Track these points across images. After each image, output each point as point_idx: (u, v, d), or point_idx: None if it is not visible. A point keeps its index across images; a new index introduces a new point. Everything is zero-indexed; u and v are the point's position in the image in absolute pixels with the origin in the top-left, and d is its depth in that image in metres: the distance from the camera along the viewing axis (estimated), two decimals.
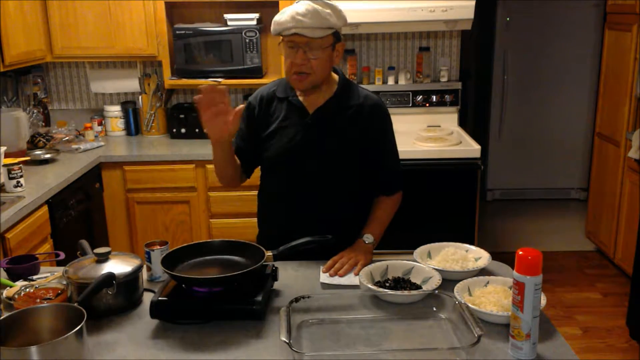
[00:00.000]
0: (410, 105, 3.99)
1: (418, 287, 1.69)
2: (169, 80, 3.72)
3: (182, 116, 3.80)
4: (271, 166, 2.04)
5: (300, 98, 1.97)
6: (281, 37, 1.89)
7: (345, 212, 2.00)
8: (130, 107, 3.99)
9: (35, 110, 3.80)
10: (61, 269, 1.73)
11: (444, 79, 4.04)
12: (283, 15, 1.83)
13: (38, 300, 1.55)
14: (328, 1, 1.86)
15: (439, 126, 4.01)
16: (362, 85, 2.08)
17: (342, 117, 1.96)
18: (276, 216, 2.07)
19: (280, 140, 1.97)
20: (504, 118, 5.42)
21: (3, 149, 2.82)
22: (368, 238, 1.94)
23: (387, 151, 2.04)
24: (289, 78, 1.91)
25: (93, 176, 3.41)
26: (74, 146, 3.58)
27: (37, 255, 1.91)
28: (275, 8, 3.65)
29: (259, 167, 2.11)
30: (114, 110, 3.97)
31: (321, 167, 1.96)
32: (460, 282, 1.64)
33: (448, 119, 4.06)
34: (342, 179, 1.97)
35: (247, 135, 2.06)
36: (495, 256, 1.85)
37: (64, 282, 1.64)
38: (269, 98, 2.02)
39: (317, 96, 1.96)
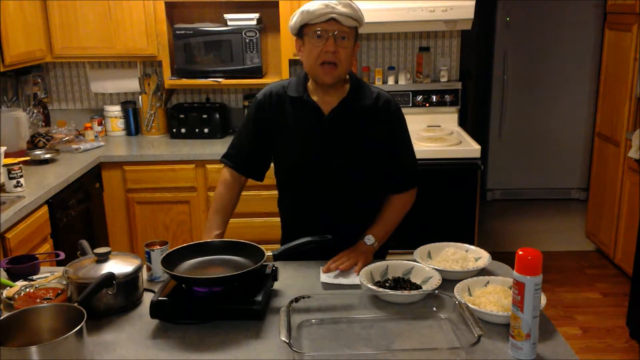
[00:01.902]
0: (410, 105, 3.99)
1: (418, 287, 1.69)
2: (169, 80, 3.73)
3: (182, 116, 3.80)
4: (290, 169, 2.01)
5: (314, 98, 1.94)
6: (301, 31, 1.86)
7: (363, 211, 2.00)
8: (130, 107, 3.99)
9: (35, 110, 3.80)
10: (61, 269, 1.74)
11: (444, 79, 4.03)
12: (313, 5, 1.81)
13: (38, 300, 1.55)
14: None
15: (439, 126, 4.01)
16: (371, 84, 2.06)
17: (357, 117, 1.94)
18: (298, 217, 2.06)
19: (297, 142, 1.95)
20: (504, 118, 5.41)
21: (3, 149, 2.82)
22: (369, 239, 1.93)
23: (403, 148, 2.02)
24: (315, 70, 1.86)
25: (93, 176, 3.41)
26: (74, 146, 3.58)
27: (37, 255, 1.91)
28: (275, 8, 3.65)
29: (273, 170, 2.09)
30: (114, 110, 3.97)
31: (340, 168, 1.94)
32: (460, 282, 1.64)
33: (448, 119, 4.06)
34: (360, 179, 1.97)
35: (257, 136, 2.02)
36: (495, 256, 1.85)
37: (64, 282, 1.64)
38: (279, 95, 1.98)
39: (331, 96, 1.93)
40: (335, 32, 1.81)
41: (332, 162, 1.93)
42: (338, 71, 1.85)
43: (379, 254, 2.09)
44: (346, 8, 1.81)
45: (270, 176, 2.11)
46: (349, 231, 1.88)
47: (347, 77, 1.97)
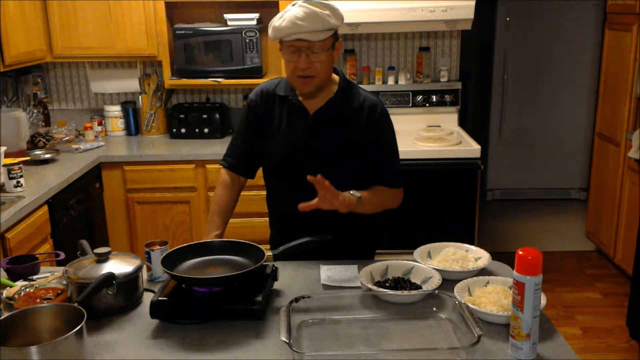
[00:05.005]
0: (410, 105, 3.99)
1: (418, 287, 1.69)
2: (169, 80, 3.73)
3: (182, 116, 3.80)
4: (274, 168, 2.03)
5: (300, 98, 1.96)
6: (280, 41, 1.88)
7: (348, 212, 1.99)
8: (130, 107, 3.99)
9: (35, 110, 3.80)
10: (61, 269, 1.73)
11: (444, 79, 4.03)
12: (282, 21, 1.81)
13: (38, 300, 1.55)
14: (324, 0, 1.85)
15: (439, 126, 4.01)
16: (361, 86, 2.07)
17: (342, 118, 1.95)
18: (283, 217, 2.07)
19: (282, 142, 1.97)
20: (504, 118, 5.41)
21: (3, 149, 2.82)
22: (355, 193, 1.86)
23: (386, 152, 2.02)
24: (293, 82, 1.90)
25: (93, 176, 3.41)
26: (74, 146, 3.58)
27: (37, 255, 1.91)
28: (275, 8, 3.65)
29: (261, 169, 2.11)
30: (114, 110, 3.97)
31: (323, 168, 1.94)
32: (460, 282, 1.64)
33: (448, 119, 4.06)
34: (344, 180, 1.96)
35: (250, 135, 2.04)
36: (495, 256, 1.85)
37: (64, 282, 1.64)
38: (269, 94, 2.01)
39: (318, 96, 1.95)
40: (307, 48, 1.82)
41: (315, 162, 1.94)
42: (315, 81, 1.87)
43: (367, 253, 2.09)
44: (313, 24, 1.78)
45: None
46: (335, 230, 1.87)
47: (337, 78, 1.98)
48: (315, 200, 1.77)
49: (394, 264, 1.79)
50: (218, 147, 3.58)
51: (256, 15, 3.68)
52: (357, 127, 1.95)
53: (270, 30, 1.87)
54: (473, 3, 3.47)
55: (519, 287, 1.33)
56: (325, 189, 1.75)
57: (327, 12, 1.81)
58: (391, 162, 2.05)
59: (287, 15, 1.80)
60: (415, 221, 3.26)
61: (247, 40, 3.60)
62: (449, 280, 1.68)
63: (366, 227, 2.06)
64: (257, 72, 3.65)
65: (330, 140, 1.95)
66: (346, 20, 1.96)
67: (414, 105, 3.99)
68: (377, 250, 2.17)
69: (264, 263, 1.65)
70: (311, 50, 1.82)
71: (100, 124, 3.96)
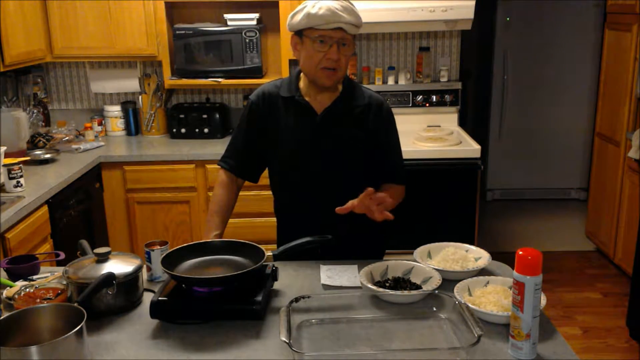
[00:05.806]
0: (410, 105, 3.99)
1: (418, 287, 1.69)
2: (169, 80, 3.73)
3: (182, 116, 3.80)
4: (281, 168, 2.03)
5: (307, 98, 1.95)
6: (300, 32, 1.86)
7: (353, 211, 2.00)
8: (130, 107, 3.99)
9: (35, 110, 3.80)
10: (61, 269, 1.74)
11: (444, 79, 4.04)
12: (318, 9, 1.79)
13: (38, 300, 1.55)
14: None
15: (439, 126, 4.01)
16: (364, 85, 2.08)
17: (349, 117, 1.96)
18: (293, 217, 2.07)
19: (289, 142, 1.96)
20: (504, 118, 5.41)
21: (3, 149, 2.82)
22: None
23: (392, 149, 2.04)
24: (315, 73, 1.88)
25: (93, 176, 3.41)
26: (74, 146, 3.58)
27: (37, 255, 1.91)
28: (275, 8, 3.65)
29: (267, 172, 2.10)
30: (114, 110, 3.97)
31: (331, 167, 1.95)
32: (460, 282, 1.64)
33: (448, 119, 4.06)
34: (350, 178, 1.97)
35: (251, 138, 2.03)
36: (495, 256, 1.85)
37: (64, 282, 1.64)
38: (272, 96, 2.00)
39: (324, 96, 1.95)
40: (339, 40, 1.83)
41: (323, 162, 1.95)
42: (338, 75, 1.88)
43: (377, 254, 2.10)
44: (351, 16, 1.81)
45: (267, 176, 2.11)
46: (343, 229, 1.88)
47: None
48: (352, 203, 1.77)
49: (394, 264, 1.79)
50: (218, 147, 3.58)
51: (256, 15, 3.68)
52: (365, 125, 1.96)
53: (300, 17, 1.83)
54: (473, 3, 3.47)
55: (519, 287, 1.33)
56: (378, 201, 1.75)
57: (356, 9, 1.85)
58: (399, 159, 2.07)
59: (322, 5, 1.80)
60: (415, 221, 3.25)
61: (247, 40, 3.60)
62: (449, 280, 1.68)
63: (376, 227, 2.06)
64: (257, 72, 3.65)
65: (338, 139, 1.95)
66: None
67: (414, 105, 3.99)
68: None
69: (264, 263, 1.65)
70: (342, 42, 1.83)
71: (100, 124, 3.96)
